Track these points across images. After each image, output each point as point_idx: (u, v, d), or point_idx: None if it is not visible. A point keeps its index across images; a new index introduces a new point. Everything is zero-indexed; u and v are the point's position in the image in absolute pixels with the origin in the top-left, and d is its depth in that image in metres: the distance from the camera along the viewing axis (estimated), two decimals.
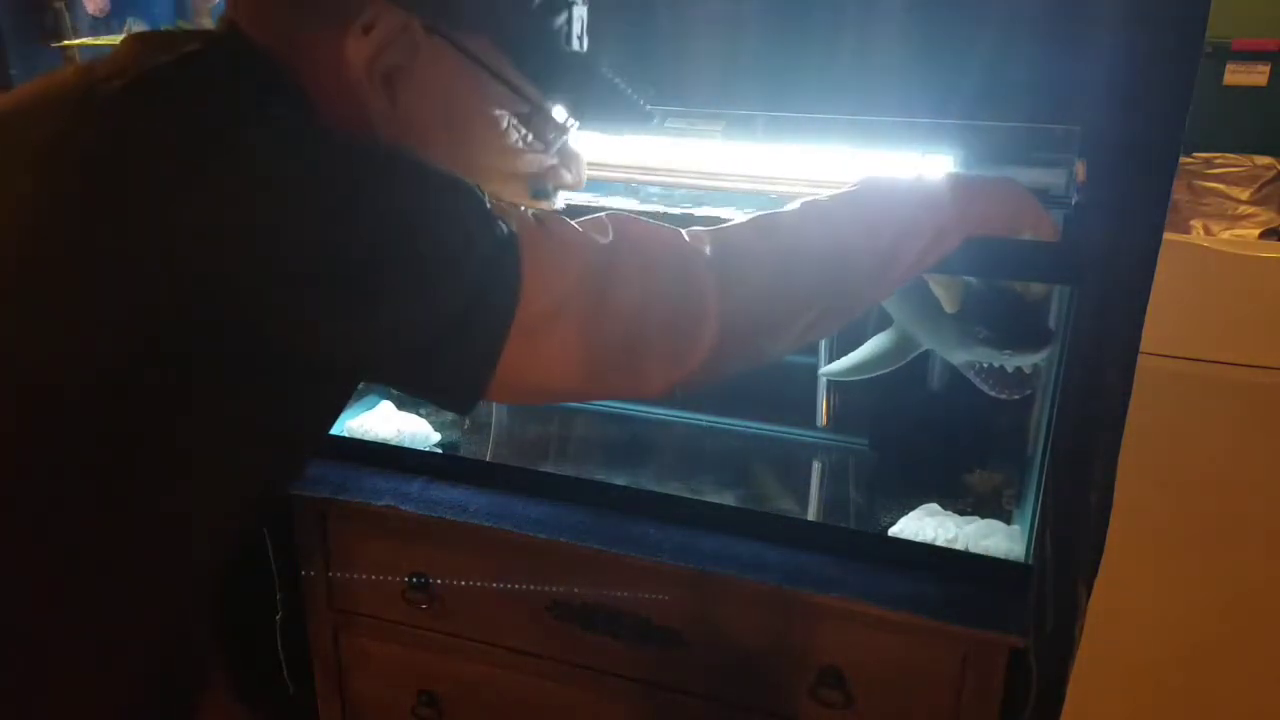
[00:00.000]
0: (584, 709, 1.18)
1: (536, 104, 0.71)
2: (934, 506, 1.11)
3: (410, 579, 1.18)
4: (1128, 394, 0.84)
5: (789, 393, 1.27)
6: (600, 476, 1.22)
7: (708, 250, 0.68)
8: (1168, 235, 0.81)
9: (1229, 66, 1.56)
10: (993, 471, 1.16)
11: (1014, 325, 1.00)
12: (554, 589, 1.12)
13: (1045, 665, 0.93)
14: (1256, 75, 1.56)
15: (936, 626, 0.98)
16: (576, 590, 1.11)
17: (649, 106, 0.78)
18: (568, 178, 0.77)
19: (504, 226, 0.60)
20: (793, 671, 1.06)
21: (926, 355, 1.22)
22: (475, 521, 1.12)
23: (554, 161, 0.75)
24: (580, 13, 0.72)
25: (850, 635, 1.02)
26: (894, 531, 1.08)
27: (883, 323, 1.18)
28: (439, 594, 1.18)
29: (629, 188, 1.09)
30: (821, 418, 1.25)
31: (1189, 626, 1.31)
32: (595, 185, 1.10)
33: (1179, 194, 1.52)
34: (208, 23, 1.90)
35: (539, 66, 0.70)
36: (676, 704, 1.12)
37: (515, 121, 0.71)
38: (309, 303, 0.55)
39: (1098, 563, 0.90)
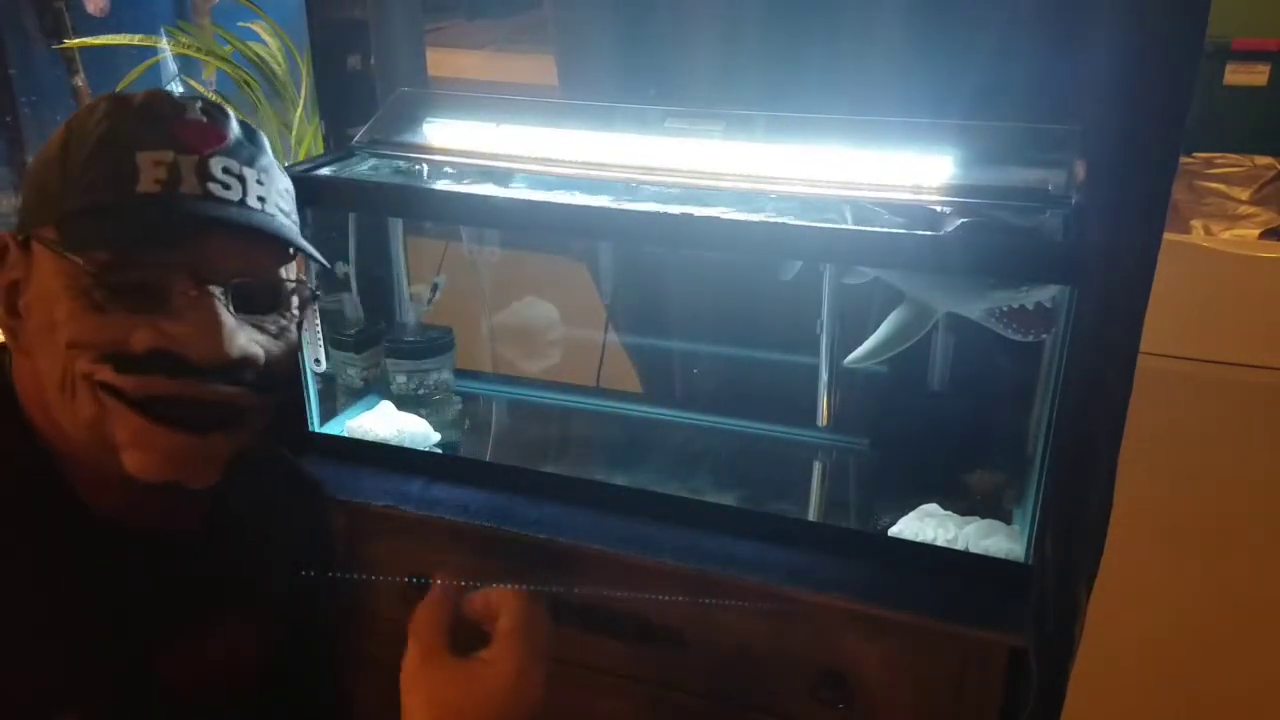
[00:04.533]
0: (583, 709, 1.18)
1: (90, 267, 0.68)
2: (934, 507, 1.11)
3: (410, 579, 1.18)
4: (1128, 394, 0.84)
5: (789, 393, 1.27)
6: (600, 476, 1.22)
7: None
8: (1168, 235, 0.81)
9: (1229, 66, 1.56)
10: (993, 472, 1.16)
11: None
12: (554, 589, 1.12)
13: (1045, 665, 0.93)
14: (1257, 75, 1.56)
15: (937, 626, 0.98)
16: (576, 590, 1.11)
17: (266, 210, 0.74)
18: (179, 346, 0.70)
19: None
20: (793, 671, 1.05)
21: (927, 357, 1.22)
22: (475, 521, 1.12)
23: (144, 328, 0.69)
24: (157, 158, 0.70)
25: (850, 635, 1.02)
26: (894, 531, 1.08)
27: (889, 304, 1.18)
28: None
29: (629, 188, 1.08)
30: (822, 418, 1.25)
31: (1190, 627, 1.31)
32: (595, 186, 1.10)
33: (1179, 194, 1.52)
34: (207, 23, 1.91)
35: (86, 226, 0.69)
36: (676, 704, 1.12)
37: (90, 288, 0.68)
38: None
39: (1098, 563, 0.90)
